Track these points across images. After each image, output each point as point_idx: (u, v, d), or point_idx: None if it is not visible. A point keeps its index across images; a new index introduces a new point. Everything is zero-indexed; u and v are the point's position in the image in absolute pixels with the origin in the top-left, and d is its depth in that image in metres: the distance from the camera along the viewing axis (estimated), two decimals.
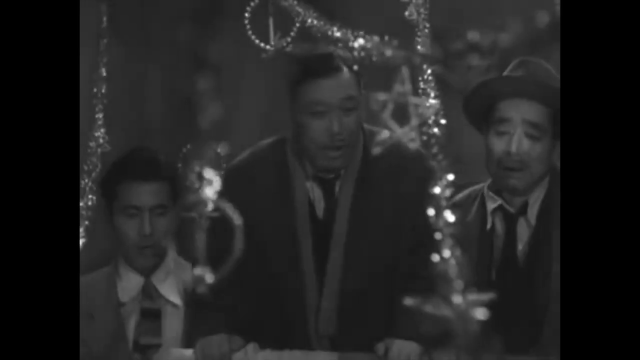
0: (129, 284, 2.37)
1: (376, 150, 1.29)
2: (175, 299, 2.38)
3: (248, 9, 2.42)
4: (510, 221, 2.20)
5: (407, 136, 1.21)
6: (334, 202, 2.24)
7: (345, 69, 2.08)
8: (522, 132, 2.12)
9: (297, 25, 2.04)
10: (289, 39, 2.48)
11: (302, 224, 2.25)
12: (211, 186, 1.23)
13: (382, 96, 1.19)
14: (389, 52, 1.22)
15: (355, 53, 1.30)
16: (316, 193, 2.27)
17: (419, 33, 1.42)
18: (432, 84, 1.35)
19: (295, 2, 2.00)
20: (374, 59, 1.25)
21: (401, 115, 1.19)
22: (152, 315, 2.40)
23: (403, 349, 2.14)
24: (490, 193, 2.22)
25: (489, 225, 2.20)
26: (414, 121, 1.21)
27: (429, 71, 1.35)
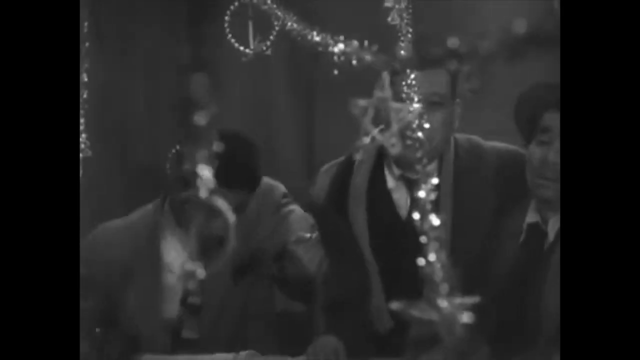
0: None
1: (358, 156, 1.29)
2: None
3: (227, 12, 2.43)
4: (542, 238, 2.15)
5: (389, 141, 1.22)
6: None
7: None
8: None
9: (277, 29, 2.05)
10: (268, 43, 2.49)
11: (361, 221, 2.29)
12: (204, 182, 1.23)
13: (362, 102, 1.20)
14: (368, 57, 1.22)
15: (335, 58, 1.31)
16: (401, 193, 2.31)
17: (402, 38, 1.43)
18: (415, 89, 1.36)
19: (275, 6, 2.01)
20: (354, 63, 1.26)
21: (382, 120, 1.20)
22: (194, 311, 2.35)
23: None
24: (532, 207, 2.18)
25: (522, 239, 2.18)
26: (395, 126, 1.22)
27: (412, 76, 1.35)
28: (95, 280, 2.32)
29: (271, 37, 2.47)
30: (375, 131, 1.22)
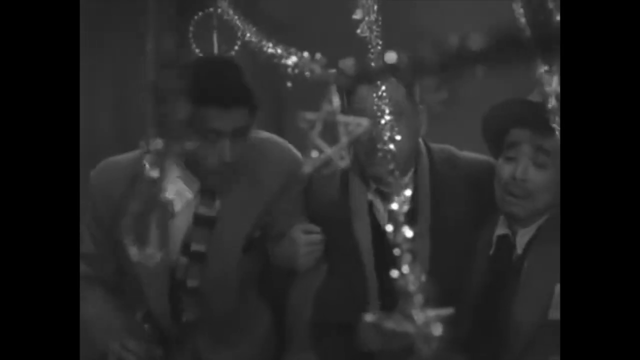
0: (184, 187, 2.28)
1: (307, 169, 1.29)
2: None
3: (192, 22, 2.42)
4: (510, 251, 2.16)
5: (337, 155, 1.23)
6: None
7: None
8: (530, 159, 2.07)
9: (241, 39, 2.05)
10: (232, 52, 2.49)
11: (364, 235, 2.27)
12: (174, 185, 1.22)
13: (310, 115, 1.20)
14: (317, 70, 1.23)
15: (289, 70, 1.31)
16: (380, 207, 2.30)
17: (372, 50, 1.44)
18: (386, 101, 1.36)
19: (236, 17, 2.02)
20: (307, 75, 1.26)
21: (331, 134, 1.21)
22: (205, 223, 2.32)
23: None
24: (502, 220, 2.19)
25: (492, 251, 2.19)
26: (344, 140, 1.23)
27: (383, 88, 1.36)
28: (100, 221, 2.30)
29: (235, 47, 2.47)
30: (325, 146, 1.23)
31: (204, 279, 2.31)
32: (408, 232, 1.25)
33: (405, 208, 1.27)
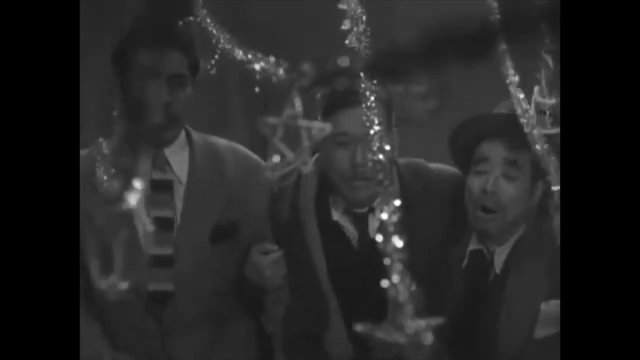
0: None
1: (269, 174, 1.29)
2: (183, 175, 2.32)
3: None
4: (485, 266, 2.18)
5: (299, 160, 1.22)
6: (368, 237, 2.27)
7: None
8: (501, 171, 2.09)
9: (221, 48, 2.04)
10: (212, 62, 2.48)
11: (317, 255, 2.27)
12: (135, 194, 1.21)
13: (272, 120, 1.20)
14: (280, 73, 1.24)
15: (257, 76, 1.31)
16: (349, 227, 2.28)
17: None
18: (375, 111, 1.36)
19: (212, 25, 2.01)
20: (274, 80, 1.26)
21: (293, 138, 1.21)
22: (163, 187, 2.31)
23: None
24: (475, 237, 2.20)
25: (464, 263, 2.20)
26: (306, 144, 1.22)
27: (372, 98, 1.36)
28: None
29: (215, 57, 2.46)
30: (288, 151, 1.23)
31: (175, 249, 2.29)
32: (398, 242, 1.25)
33: (395, 218, 1.27)
